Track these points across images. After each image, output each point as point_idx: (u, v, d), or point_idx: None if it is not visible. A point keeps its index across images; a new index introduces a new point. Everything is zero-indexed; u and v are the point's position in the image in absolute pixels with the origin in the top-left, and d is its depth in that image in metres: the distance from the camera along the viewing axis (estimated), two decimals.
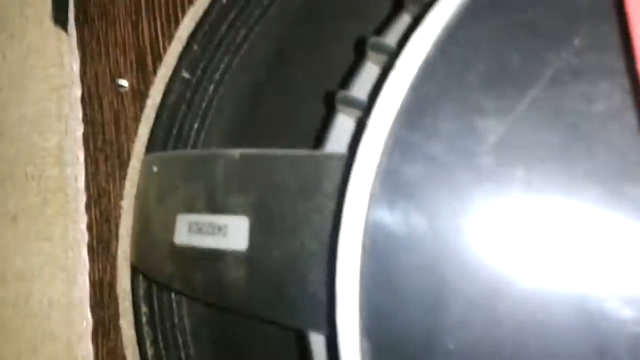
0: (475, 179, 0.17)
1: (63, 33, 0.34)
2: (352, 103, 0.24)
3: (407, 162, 0.18)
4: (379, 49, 0.24)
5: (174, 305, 0.34)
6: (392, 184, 0.18)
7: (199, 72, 0.37)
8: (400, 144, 0.18)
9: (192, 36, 0.36)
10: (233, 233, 0.25)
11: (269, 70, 0.37)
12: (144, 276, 0.32)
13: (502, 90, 0.18)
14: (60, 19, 0.34)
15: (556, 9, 0.18)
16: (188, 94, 0.36)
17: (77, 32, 0.34)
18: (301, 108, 0.35)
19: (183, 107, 0.36)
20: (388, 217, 0.17)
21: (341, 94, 0.25)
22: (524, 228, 0.17)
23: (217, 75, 0.37)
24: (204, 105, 0.37)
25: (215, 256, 0.25)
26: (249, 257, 0.24)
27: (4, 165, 0.33)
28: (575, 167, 0.17)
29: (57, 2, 0.34)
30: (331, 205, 0.21)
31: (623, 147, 0.16)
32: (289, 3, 0.37)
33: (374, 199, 0.18)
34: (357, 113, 0.23)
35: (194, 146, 0.35)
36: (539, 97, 0.18)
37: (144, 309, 0.34)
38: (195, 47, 0.37)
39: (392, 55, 0.22)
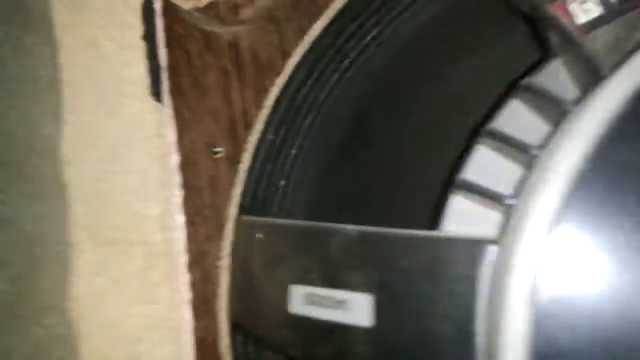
0: None
1: (159, 105, 0.35)
2: (471, 189, 0.25)
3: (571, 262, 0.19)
4: (496, 137, 0.25)
5: None
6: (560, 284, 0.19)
7: (282, 133, 0.38)
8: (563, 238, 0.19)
9: (277, 101, 0.38)
10: (356, 308, 0.26)
11: (350, 128, 0.39)
12: (245, 335, 0.34)
13: None
14: (155, 92, 0.35)
15: None
16: (273, 155, 0.38)
17: (172, 103, 0.36)
18: (386, 170, 0.37)
19: (269, 167, 0.38)
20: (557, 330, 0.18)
21: (460, 179, 0.26)
22: None
23: (299, 137, 0.38)
24: (288, 164, 0.38)
25: (338, 329, 0.26)
26: (376, 334, 0.25)
27: (108, 232, 0.34)
28: None
29: (152, 76, 0.35)
30: (464, 289, 0.23)
31: None
32: (367, 66, 0.39)
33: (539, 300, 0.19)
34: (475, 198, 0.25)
35: (282, 204, 0.37)
36: None
37: None
38: (280, 110, 0.38)
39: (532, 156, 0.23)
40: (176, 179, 0.36)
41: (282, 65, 0.36)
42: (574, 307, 0.18)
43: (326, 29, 0.38)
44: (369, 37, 0.39)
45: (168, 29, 0.37)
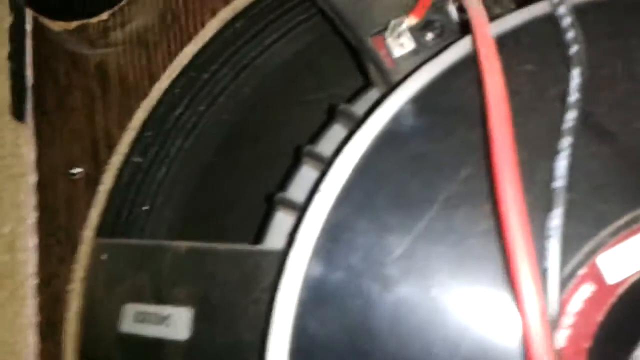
0: (384, 288, 0.22)
1: (21, 125, 0.38)
2: (289, 205, 0.28)
3: (328, 271, 0.22)
4: (313, 157, 0.29)
5: None
6: (314, 291, 0.22)
7: (149, 156, 0.41)
8: (323, 254, 0.23)
9: (145, 124, 0.41)
10: (176, 323, 0.29)
11: (218, 154, 0.42)
12: None
13: (405, 212, 0.23)
14: (18, 112, 0.38)
15: (446, 145, 0.23)
16: (138, 178, 0.41)
17: (34, 123, 0.39)
18: (247, 193, 0.40)
19: (133, 190, 0.41)
20: (312, 323, 0.22)
21: (279, 196, 0.29)
22: (425, 331, 0.21)
23: (167, 160, 0.42)
24: (153, 188, 0.41)
25: (158, 345, 0.29)
26: (191, 347, 0.27)
27: None
28: (465, 276, 0.22)
29: (15, 96, 0.38)
30: (267, 298, 0.26)
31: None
32: (237, 93, 0.42)
33: (300, 303, 0.22)
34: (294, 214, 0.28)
35: (143, 229, 0.39)
36: (435, 217, 0.22)
37: None
38: (147, 133, 0.41)
39: (326, 164, 0.27)
40: (31, 199, 0.38)
41: (149, 88, 0.40)
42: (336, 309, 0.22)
43: (198, 55, 0.42)
44: (241, 65, 0.43)
45: (36, 50, 0.40)
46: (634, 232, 0.23)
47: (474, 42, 0.22)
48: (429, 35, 0.30)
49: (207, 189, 0.41)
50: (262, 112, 0.43)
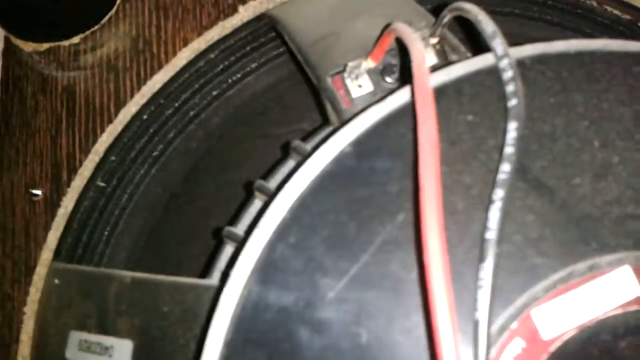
0: (314, 332, 0.22)
1: None
2: (236, 239, 0.28)
3: (258, 311, 0.22)
4: (263, 192, 0.29)
5: None
6: (243, 332, 0.22)
7: (114, 181, 0.41)
8: (255, 293, 0.22)
9: (110, 148, 0.41)
10: (119, 355, 0.28)
11: (183, 184, 0.42)
12: None
13: (339, 254, 0.23)
14: None
15: (384, 189, 0.23)
16: (101, 203, 0.41)
17: None
18: (208, 224, 0.40)
19: (95, 214, 0.41)
20: None
21: (227, 230, 0.29)
22: None
23: (132, 186, 0.42)
24: (116, 213, 0.41)
25: None
26: None
27: None
28: (394, 325, 0.22)
29: None
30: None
31: None
32: (206, 122, 0.43)
33: (226, 344, 0.22)
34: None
35: (102, 255, 0.39)
36: (369, 262, 0.22)
37: None
38: (113, 158, 0.41)
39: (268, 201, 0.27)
40: None
41: (115, 114, 0.40)
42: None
43: (169, 83, 0.42)
44: (212, 95, 0.43)
45: (6, 69, 0.41)
46: (570, 287, 0.23)
47: (412, 90, 0.22)
48: (388, 79, 0.30)
49: (170, 217, 0.41)
50: (229, 143, 0.43)
